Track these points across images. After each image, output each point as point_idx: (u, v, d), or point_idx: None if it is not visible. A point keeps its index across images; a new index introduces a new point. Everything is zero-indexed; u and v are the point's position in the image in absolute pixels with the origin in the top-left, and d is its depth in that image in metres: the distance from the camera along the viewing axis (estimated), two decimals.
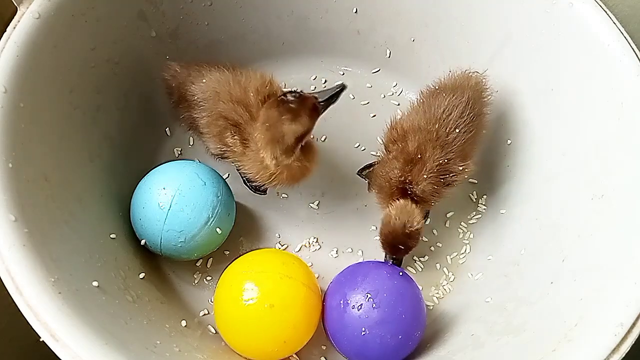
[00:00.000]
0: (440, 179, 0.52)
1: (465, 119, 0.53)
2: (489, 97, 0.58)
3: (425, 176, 0.52)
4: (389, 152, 0.55)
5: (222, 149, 0.54)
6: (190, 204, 0.53)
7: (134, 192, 0.55)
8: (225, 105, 0.53)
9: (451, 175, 0.53)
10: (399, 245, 0.52)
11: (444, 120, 0.53)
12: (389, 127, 0.57)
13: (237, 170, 0.57)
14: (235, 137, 0.53)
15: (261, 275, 0.50)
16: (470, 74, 0.57)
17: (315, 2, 0.66)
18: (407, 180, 0.52)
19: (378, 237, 0.54)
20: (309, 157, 0.53)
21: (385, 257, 0.55)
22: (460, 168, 0.53)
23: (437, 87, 0.57)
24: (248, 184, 0.63)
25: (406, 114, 0.57)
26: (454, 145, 0.53)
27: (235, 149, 0.53)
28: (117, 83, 0.58)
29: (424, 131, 0.53)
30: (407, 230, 0.51)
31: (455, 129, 0.53)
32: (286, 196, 0.64)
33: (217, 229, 0.54)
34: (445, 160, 0.52)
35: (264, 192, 0.63)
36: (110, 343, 0.39)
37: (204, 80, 0.54)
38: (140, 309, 0.49)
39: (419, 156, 0.52)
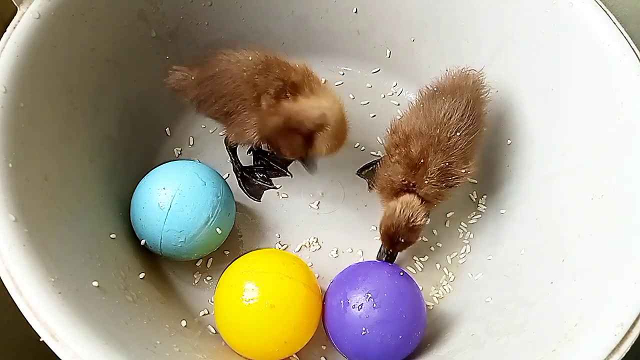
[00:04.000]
0: (443, 182, 0.53)
1: (465, 121, 0.54)
2: (487, 96, 0.58)
3: (427, 181, 0.52)
4: (391, 155, 0.55)
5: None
6: (190, 204, 0.52)
7: (134, 192, 0.55)
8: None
9: (454, 178, 0.53)
10: (399, 238, 0.52)
11: (445, 124, 0.53)
12: (390, 131, 0.57)
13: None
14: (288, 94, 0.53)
15: (261, 275, 0.50)
16: (468, 72, 0.57)
17: (315, 2, 0.66)
18: (411, 184, 0.53)
19: (378, 230, 0.54)
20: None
21: (380, 251, 0.56)
22: (463, 171, 0.53)
23: (435, 89, 0.57)
24: (244, 186, 0.63)
25: (406, 116, 0.57)
26: (455, 148, 0.53)
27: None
28: (117, 83, 0.58)
29: (425, 136, 0.53)
30: (410, 224, 0.52)
31: (456, 132, 0.53)
32: (286, 196, 0.64)
33: (217, 229, 0.54)
34: (447, 164, 0.52)
35: (259, 197, 0.63)
36: (110, 343, 0.39)
37: (250, 58, 0.55)
38: (140, 309, 0.49)
39: (422, 161, 0.52)
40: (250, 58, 0.54)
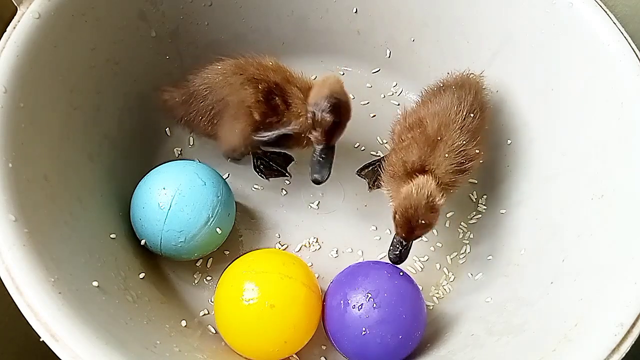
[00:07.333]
0: (460, 161, 0.53)
1: (475, 106, 0.55)
2: (487, 96, 0.58)
3: (446, 156, 0.52)
4: (402, 140, 0.55)
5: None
6: (190, 204, 0.53)
7: (134, 192, 0.55)
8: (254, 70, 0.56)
9: (467, 159, 0.53)
10: (420, 219, 0.49)
11: (458, 106, 0.54)
12: (400, 119, 0.57)
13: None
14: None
15: (261, 275, 0.50)
16: (468, 75, 0.58)
17: (315, 2, 0.66)
18: (427, 162, 0.52)
19: (392, 219, 0.51)
20: None
21: (393, 243, 0.51)
22: (476, 151, 0.54)
23: (441, 85, 0.58)
24: (258, 166, 0.64)
25: (414, 108, 0.58)
26: (470, 128, 0.54)
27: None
28: (117, 83, 0.58)
29: (441, 115, 0.54)
30: (431, 202, 0.49)
31: (470, 113, 0.54)
32: (286, 192, 0.64)
33: (217, 229, 0.54)
34: (463, 142, 0.53)
35: (267, 177, 0.64)
36: (110, 343, 0.39)
37: (219, 66, 0.57)
38: (140, 309, 0.49)
39: (439, 137, 0.53)
40: (219, 66, 0.57)
